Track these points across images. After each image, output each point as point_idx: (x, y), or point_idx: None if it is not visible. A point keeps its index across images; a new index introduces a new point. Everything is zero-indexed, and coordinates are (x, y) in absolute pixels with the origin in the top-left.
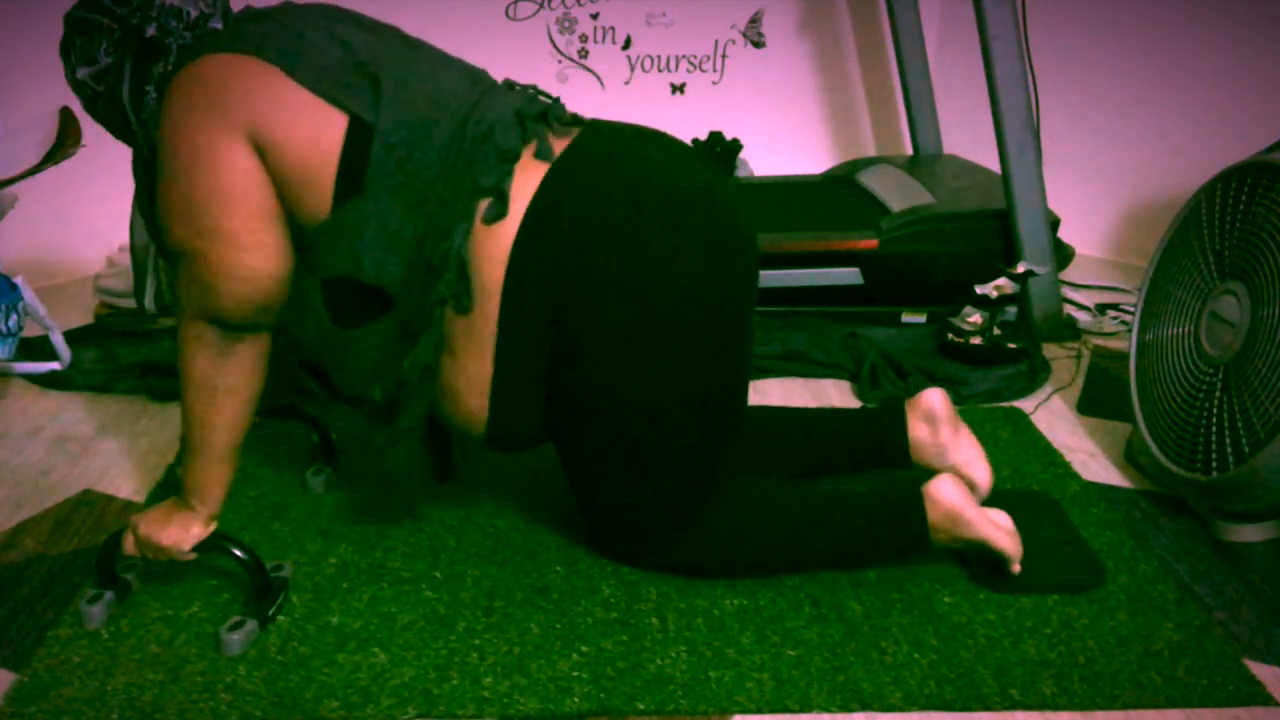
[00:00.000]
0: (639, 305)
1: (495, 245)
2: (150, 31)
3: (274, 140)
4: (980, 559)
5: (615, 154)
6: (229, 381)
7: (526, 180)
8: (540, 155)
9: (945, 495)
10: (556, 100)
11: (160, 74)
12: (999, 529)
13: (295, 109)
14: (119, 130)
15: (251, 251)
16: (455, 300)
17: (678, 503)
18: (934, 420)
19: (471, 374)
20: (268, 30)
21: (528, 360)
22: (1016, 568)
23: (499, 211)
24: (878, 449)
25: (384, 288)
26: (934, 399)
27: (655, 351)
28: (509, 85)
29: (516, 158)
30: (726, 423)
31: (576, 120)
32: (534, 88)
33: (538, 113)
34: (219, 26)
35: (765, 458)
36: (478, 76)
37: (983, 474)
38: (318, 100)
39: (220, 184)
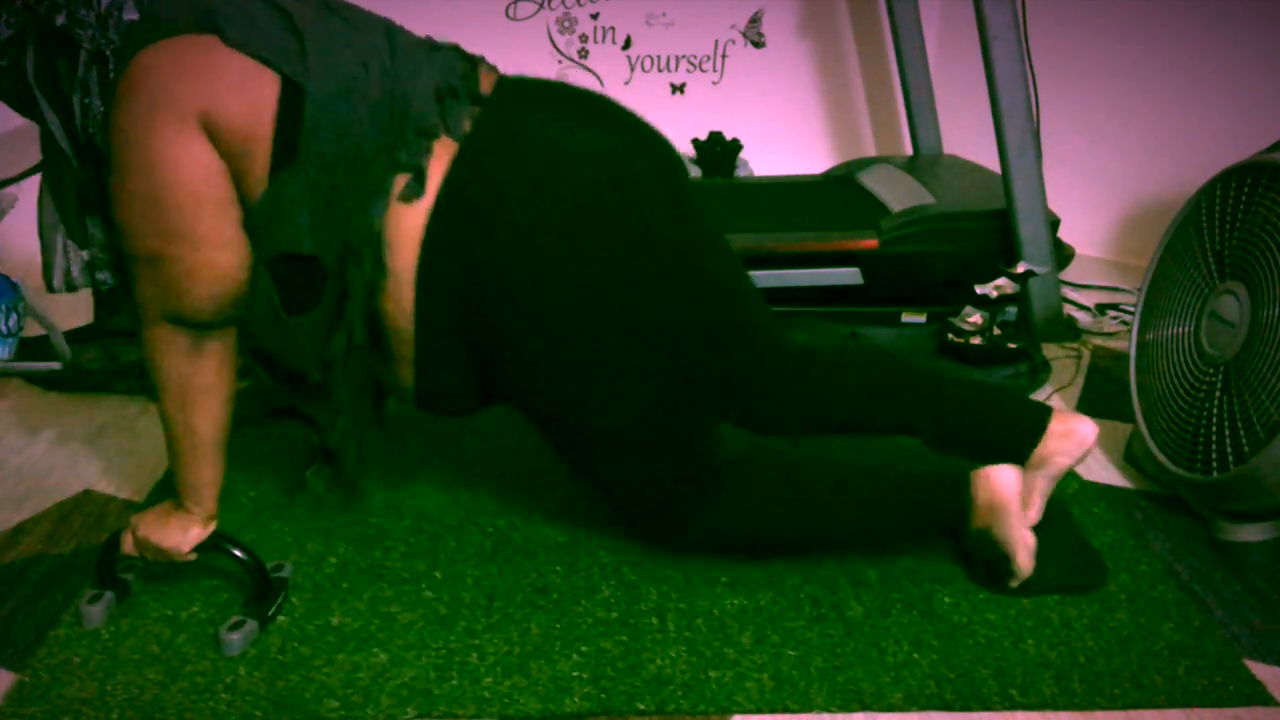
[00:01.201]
0: (551, 290)
1: (409, 225)
2: (60, 20)
3: (219, 114)
4: (983, 561)
5: (523, 129)
6: (205, 381)
7: (437, 161)
8: (450, 133)
9: (1004, 482)
10: (474, 66)
11: (102, 82)
12: (1025, 545)
13: (232, 75)
14: (23, 107)
15: (219, 249)
16: (374, 280)
17: (679, 473)
18: (1082, 449)
19: (394, 346)
20: (192, 2)
21: (449, 341)
22: (1014, 584)
23: (416, 191)
24: (1004, 437)
25: (322, 261)
26: (1092, 432)
27: (581, 333)
28: (430, 45)
29: (435, 136)
30: (697, 385)
31: (478, 99)
32: (454, 49)
33: (451, 87)
34: (134, 16)
35: (891, 400)
36: (392, 34)
37: (1034, 514)
38: (251, 62)
39: (182, 184)
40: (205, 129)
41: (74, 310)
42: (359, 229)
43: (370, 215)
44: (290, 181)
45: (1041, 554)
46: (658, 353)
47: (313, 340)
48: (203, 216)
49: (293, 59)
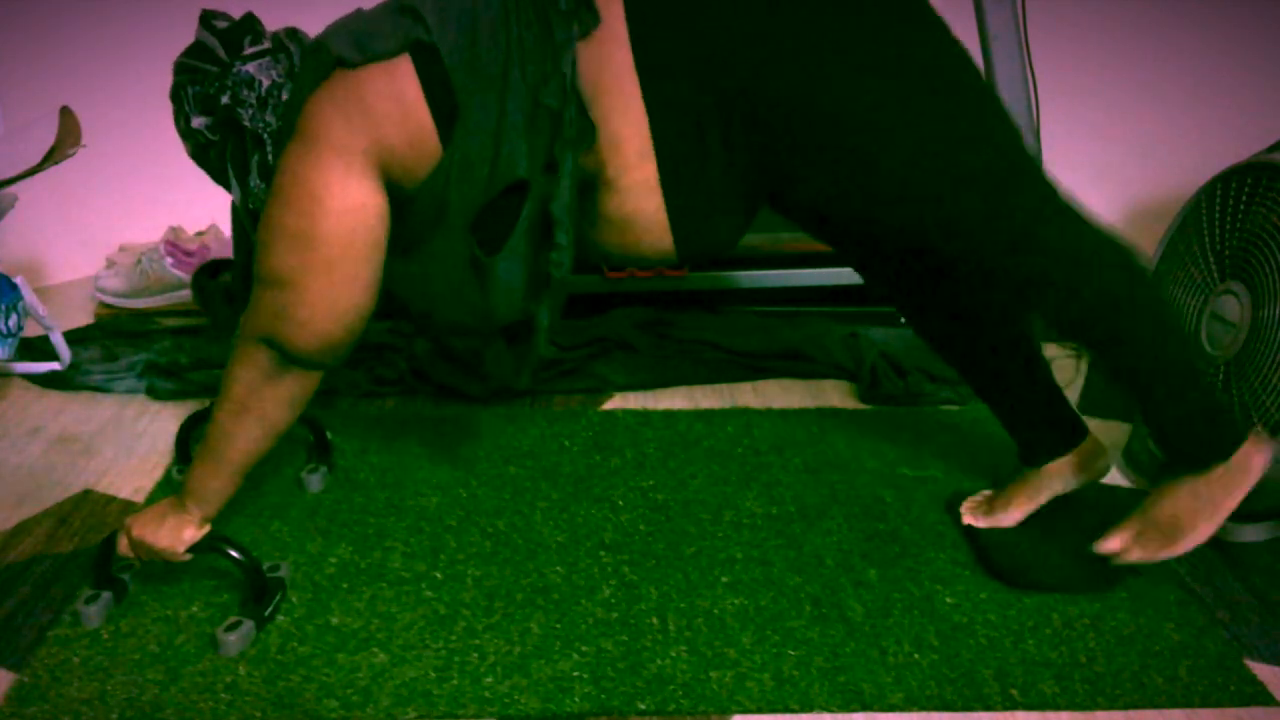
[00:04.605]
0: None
1: (610, 49)
2: (225, 100)
3: (384, 136)
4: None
5: None
6: (265, 407)
7: None
8: None
9: (1262, 462)
10: None
11: (261, 165)
12: (1203, 529)
13: (372, 97)
14: (222, 181)
15: (348, 286)
16: (581, 133)
17: (1027, 195)
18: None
19: (635, 185)
20: (318, 48)
21: (695, 147)
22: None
23: (592, 20)
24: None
25: (523, 179)
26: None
27: (848, 57)
28: None
29: None
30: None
31: None
32: None
33: None
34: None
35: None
36: None
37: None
38: (381, 65)
39: (341, 217)
40: (378, 166)
41: (74, 310)
42: (553, 91)
43: (564, 74)
44: (466, 137)
45: (1064, 555)
46: (928, 71)
47: (521, 264)
48: (348, 253)
49: (410, 26)
